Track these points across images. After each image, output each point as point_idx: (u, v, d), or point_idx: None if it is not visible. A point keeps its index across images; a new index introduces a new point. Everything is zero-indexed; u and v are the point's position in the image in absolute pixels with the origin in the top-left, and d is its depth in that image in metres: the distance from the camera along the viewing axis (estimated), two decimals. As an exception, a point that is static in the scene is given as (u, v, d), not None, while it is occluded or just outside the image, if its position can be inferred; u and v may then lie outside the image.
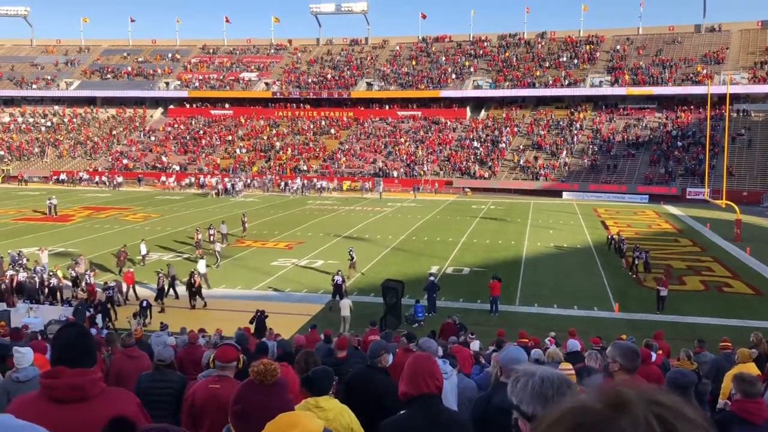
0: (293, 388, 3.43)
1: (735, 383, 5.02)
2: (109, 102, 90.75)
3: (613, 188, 59.64)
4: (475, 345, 14.10)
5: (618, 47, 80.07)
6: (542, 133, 70.97)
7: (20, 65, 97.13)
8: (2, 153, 78.82)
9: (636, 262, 28.63)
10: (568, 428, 0.99)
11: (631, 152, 64.81)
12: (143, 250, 29.93)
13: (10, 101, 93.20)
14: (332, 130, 78.65)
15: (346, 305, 21.00)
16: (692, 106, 69.88)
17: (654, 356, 9.67)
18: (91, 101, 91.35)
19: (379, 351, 5.58)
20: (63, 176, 70.99)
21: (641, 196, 57.57)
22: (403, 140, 73.77)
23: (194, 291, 23.52)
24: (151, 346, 11.97)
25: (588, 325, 20.73)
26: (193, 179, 66.86)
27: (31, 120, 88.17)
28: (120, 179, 68.13)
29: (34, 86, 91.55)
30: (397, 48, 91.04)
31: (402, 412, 3.62)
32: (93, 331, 15.50)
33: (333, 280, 23.89)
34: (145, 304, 21.90)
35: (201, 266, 26.14)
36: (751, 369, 8.48)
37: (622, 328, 20.11)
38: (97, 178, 69.66)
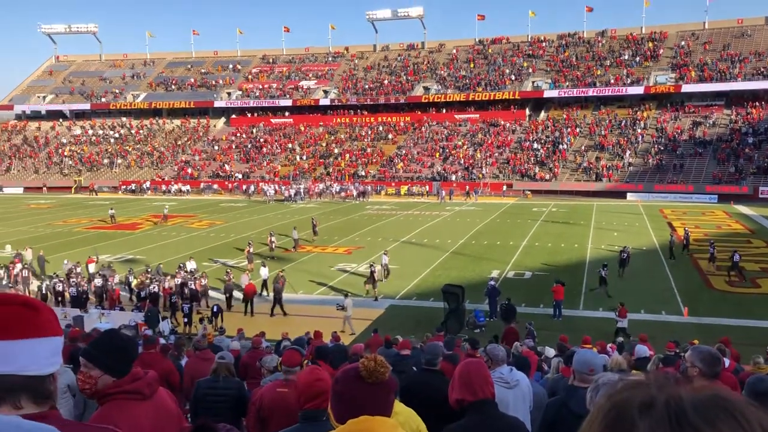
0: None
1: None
2: (173, 113, 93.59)
3: (680, 188, 57.80)
4: (549, 352, 13.75)
5: (683, 43, 77.66)
6: (604, 133, 69.44)
7: (90, 80, 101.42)
8: (74, 164, 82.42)
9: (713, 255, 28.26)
10: (605, 425, 0.98)
11: (698, 151, 62.70)
12: (190, 266, 28.14)
13: (81, 114, 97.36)
14: (390, 135, 78.95)
15: (350, 305, 21.45)
16: (764, 102, 67.08)
17: (727, 362, 9.33)
18: (157, 113, 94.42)
19: (437, 353, 5.55)
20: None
21: (710, 196, 55.64)
22: (461, 143, 73.42)
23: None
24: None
25: (656, 329, 20.11)
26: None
27: (100, 132, 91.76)
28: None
29: (102, 99, 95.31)
30: (454, 51, 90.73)
31: (461, 420, 3.59)
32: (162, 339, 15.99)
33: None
34: (216, 309, 22.48)
35: (263, 272, 26.50)
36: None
37: (692, 332, 19.44)
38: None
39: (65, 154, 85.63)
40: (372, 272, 25.78)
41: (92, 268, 28.57)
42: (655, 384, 0.99)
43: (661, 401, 0.95)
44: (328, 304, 24.93)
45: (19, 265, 28.10)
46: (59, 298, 25.34)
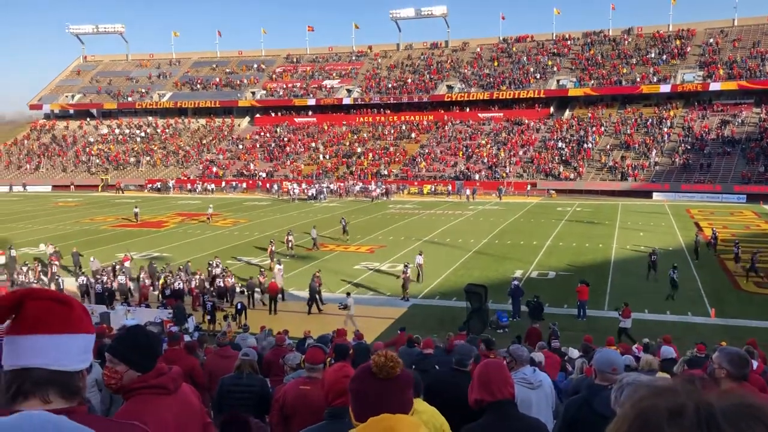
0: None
1: None
2: (198, 112, 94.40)
3: (707, 188, 56.95)
4: (573, 353, 13.63)
5: (711, 41, 76.47)
6: (630, 132, 68.66)
7: (117, 79, 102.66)
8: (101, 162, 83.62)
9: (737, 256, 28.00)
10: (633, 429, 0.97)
11: (726, 150, 61.71)
12: (218, 269, 27.76)
13: (108, 114, 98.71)
14: (413, 134, 78.85)
15: (353, 303, 21.91)
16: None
17: (755, 364, 9.18)
18: (182, 112, 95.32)
19: (469, 354, 5.49)
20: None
21: (738, 196, 54.74)
22: (484, 142, 73.08)
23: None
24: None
25: (682, 331, 19.87)
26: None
27: (127, 131, 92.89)
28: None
29: (129, 99, 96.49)
30: (478, 50, 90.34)
31: (480, 420, 3.59)
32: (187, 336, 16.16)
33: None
34: (239, 306, 22.65)
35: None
36: None
37: (719, 334, 19.15)
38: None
39: (92, 152, 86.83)
40: (404, 272, 25.64)
41: (127, 265, 29.02)
42: (684, 390, 0.97)
43: (691, 408, 0.93)
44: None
45: (56, 263, 28.74)
46: (85, 295, 25.73)
